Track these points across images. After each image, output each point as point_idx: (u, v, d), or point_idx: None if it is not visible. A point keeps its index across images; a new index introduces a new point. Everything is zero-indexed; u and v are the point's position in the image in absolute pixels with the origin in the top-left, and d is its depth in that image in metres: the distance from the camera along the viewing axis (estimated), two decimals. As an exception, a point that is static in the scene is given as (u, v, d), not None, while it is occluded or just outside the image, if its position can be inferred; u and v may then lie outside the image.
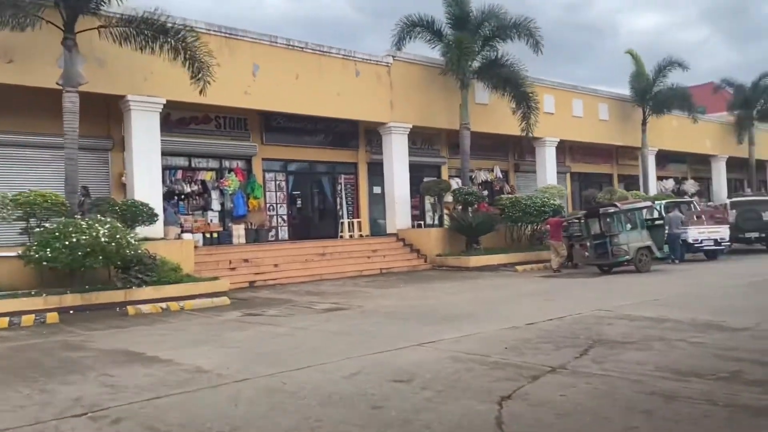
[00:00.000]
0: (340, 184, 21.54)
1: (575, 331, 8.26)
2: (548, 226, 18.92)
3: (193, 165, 18.27)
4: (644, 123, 28.38)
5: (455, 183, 22.19)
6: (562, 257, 18.18)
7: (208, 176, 18.41)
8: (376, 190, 21.93)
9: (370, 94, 19.94)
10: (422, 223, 22.33)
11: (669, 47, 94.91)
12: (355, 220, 21.20)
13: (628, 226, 17.22)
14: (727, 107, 35.53)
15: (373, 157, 21.70)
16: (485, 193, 23.40)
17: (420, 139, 22.95)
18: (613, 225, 17.23)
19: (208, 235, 17.96)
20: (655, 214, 18.62)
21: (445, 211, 21.41)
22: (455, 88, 20.85)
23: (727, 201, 23.66)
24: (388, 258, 19.09)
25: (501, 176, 25.85)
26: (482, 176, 24.95)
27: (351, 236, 20.60)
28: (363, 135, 21.80)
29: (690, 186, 34.75)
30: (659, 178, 32.12)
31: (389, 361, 6.87)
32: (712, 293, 11.98)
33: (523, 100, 21.05)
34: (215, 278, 13.93)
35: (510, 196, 22.37)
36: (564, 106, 25.91)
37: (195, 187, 18.12)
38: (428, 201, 22.89)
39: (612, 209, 17.33)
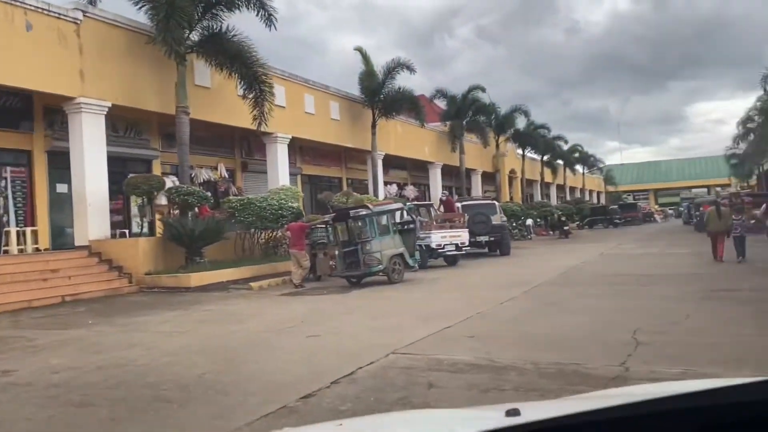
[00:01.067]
0: (5, 179, 15.25)
1: (391, 407, 4.73)
2: (288, 232, 15.46)
3: None
4: (374, 125, 26.76)
5: (171, 181, 17.38)
6: (305, 269, 14.85)
7: None
8: (61, 188, 16.07)
9: (49, 57, 14.22)
10: (127, 231, 17.00)
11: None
12: (29, 229, 15.11)
13: (380, 231, 14.58)
14: (441, 117, 36.38)
15: (55, 143, 15.82)
16: (209, 194, 19.01)
17: (124, 124, 17.67)
18: (364, 230, 14.42)
19: None
20: (406, 217, 16.33)
21: (158, 216, 16.50)
22: (171, 64, 16.18)
23: (459, 204, 22.90)
24: (76, 280, 13.62)
25: (227, 176, 21.64)
26: (204, 175, 20.45)
27: (22, 251, 14.57)
28: (41, 113, 15.79)
29: (410, 191, 34.55)
30: (384, 183, 31.07)
31: None
32: (500, 311, 9.57)
33: (255, 83, 17.24)
34: None
35: (240, 197, 18.36)
36: (296, 100, 22.82)
37: None
38: (134, 203, 17.63)
39: (364, 212, 14.51)
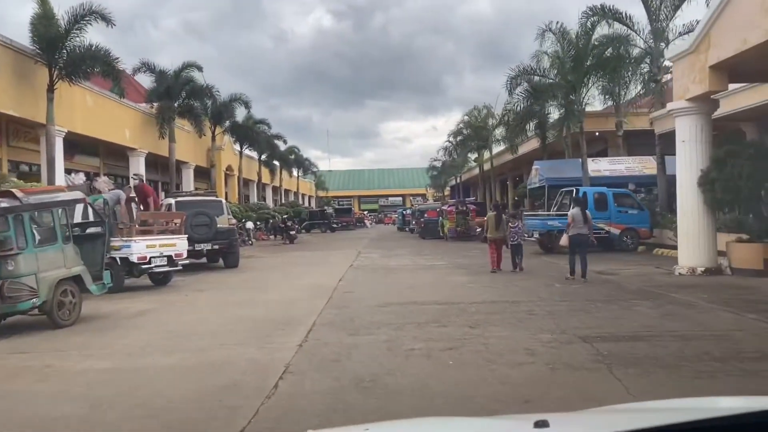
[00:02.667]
0: None
1: None
2: None
3: None
4: (51, 90, 19.15)
5: None
6: None
7: None
8: None
9: None
10: None
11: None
12: None
13: (40, 238, 8.37)
14: (147, 97, 29.44)
15: None
16: None
17: None
18: (7, 237, 8.04)
19: None
20: (89, 215, 10.14)
21: None
22: None
23: (172, 201, 16.97)
24: None
25: None
26: None
27: None
28: None
29: (103, 183, 26.84)
30: (67, 171, 23.21)
31: None
32: (282, 418, 4.63)
33: None
34: None
35: None
36: None
37: None
38: None
39: (4, 203, 8.07)
